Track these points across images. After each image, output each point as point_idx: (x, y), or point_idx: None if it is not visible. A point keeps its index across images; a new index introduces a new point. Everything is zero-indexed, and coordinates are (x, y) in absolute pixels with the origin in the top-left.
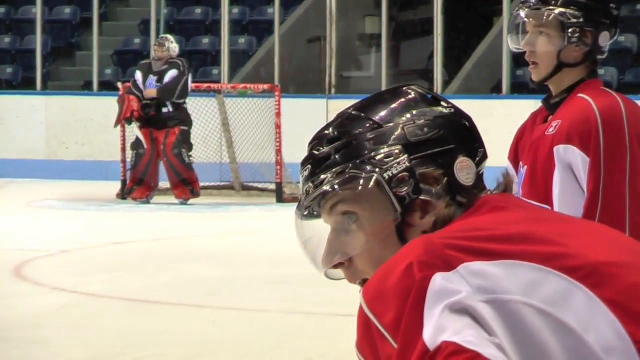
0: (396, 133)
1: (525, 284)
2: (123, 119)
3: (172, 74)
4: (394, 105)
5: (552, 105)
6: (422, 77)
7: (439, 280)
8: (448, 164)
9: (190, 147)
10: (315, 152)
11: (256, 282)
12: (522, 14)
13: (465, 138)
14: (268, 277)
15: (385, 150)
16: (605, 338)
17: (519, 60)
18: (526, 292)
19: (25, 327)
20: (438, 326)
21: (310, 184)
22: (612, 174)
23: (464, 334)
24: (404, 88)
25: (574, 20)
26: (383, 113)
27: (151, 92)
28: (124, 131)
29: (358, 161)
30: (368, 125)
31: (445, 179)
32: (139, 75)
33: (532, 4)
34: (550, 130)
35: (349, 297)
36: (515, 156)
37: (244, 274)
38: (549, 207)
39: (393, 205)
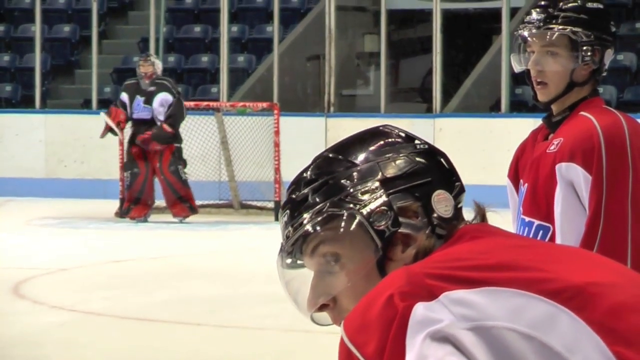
0: (372, 170)
1: (508, 309)
2: (108, 129)
3: (163, 99)
4: (368, 145)
5: (554, 123)
6: (420, 95)
7: (420, 309)
8: (426, 197)
9: (184, 163)
10: (293, 196)
11: (255, 300)
12: (526, 33)
13: (441, 172)
14: (266, 295)
15: (362, 187)
16: (591, 359)
17: (518, 78)
18: (510, 318)
19: (24, 344)
20: (420, 355)
21: (290, 228)
22: (614, 192)
23: None
24: (380, 128)
25: (586, 39)
26: (359, 152)
27: (157, 145)
28: (122, 149)
29: (336, 199)
30: (344, 164)
31: (424, 211)
32: (125, 97)
33: (537, 23)
34: (552, 148)
35: None
36: (515, 174)
37: (242, 292)
38: (549, 225)
39: (373, 240)
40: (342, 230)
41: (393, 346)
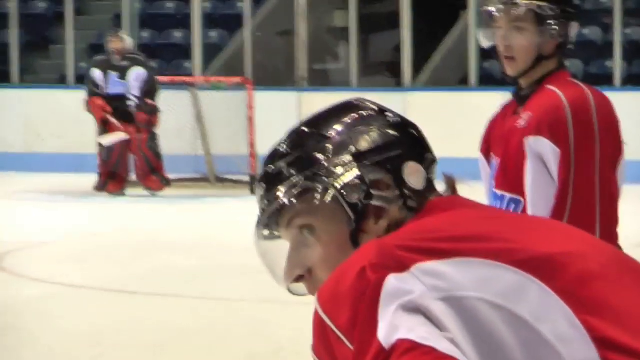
0: (345, 144)
1: (478, 280)
2: (100, 122)
3: (138, 74)
4: (341, 118)
5: (522, 97)
6: (390, 69)
7: (392, 281)
8: (397, 170)
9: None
10: (268, 170)
11: (231, 272)
12: (493, 8)
13: (413, 144)
14: (243, 267)
15: (335, 160)
16: (559, 327)
17: (486, 52)
18: (479, 288)
19: (4, 316)
20: (392, 325)
21: (266, 201)
22: (582, 164)
23: (418, 331)
24: (352, 101)
25: (551, 13)
26: (332, 126)
27: (141, 117)
28: (101, 122)
29: (310, 173)
30: (317, 138)
31: (396, 184)
32: (97, 73)
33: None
34: (521, 122)
35: None
36: (486, 148)
37: (218, 264)
38: (521, 198)
39: (346, 212)
40: (316, 203)
41: (365, 317)
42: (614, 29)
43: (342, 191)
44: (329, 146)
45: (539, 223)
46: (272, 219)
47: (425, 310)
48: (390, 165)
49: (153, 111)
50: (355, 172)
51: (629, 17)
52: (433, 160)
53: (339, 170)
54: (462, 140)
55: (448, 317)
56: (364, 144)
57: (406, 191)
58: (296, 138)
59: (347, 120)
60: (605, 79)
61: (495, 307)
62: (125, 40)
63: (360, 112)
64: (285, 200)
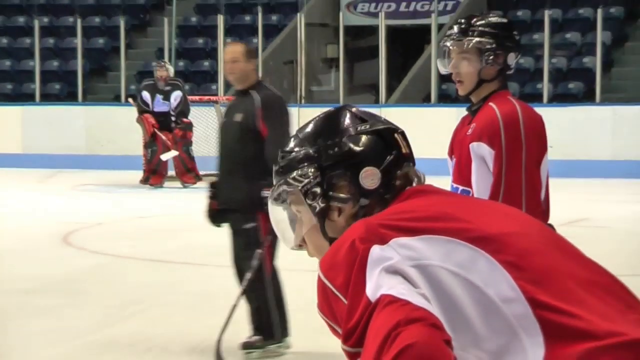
0: (314, 157)
1: (440, 252)
2: (150, 136)
3: (176, 95)
4: (319, 129)
5: (473, 111)
6: (370, 90)
7: (376, 250)
8: (354, 175)
9: (191, 143)
10: (275, 167)
11: None
12: (448, 43)
13: (374, 151)
14: None
15: (304, 171)
16: (502, 291)
17: (444, 77)
18: (441, 259)
19: (70, 280)
20: (377, 284)
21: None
22: (511, 165)
23: (397, 288)
24: (338, 110)
25: (489, 47)
26: (311, 137)
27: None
28: (150, 130)
29: (288, 179)
30: (298, 147)
31: (353, 186)
32: (146, 95)
33: (455, 36)
34: (469, 131)
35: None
36: (451, 151)
37: None
38: (470, 190)
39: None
40: (293, 200)
41: (356, 278)
42: (544, 59)
43: (306, 195)
44: (303, 157)
45: (491, 207)
46: (277, 199)
47: (402, 273)
48: (349, 172)
49: (188, 128)
50: (317, 179)
51: (555, 50)
52: (398, 159)
53: (305, 179)
54: (425, 144)
55: (419, 280)
56: (330, 154)
57: (361, 192)
58: (290, 142)
59: (323, 132)
60: (537, 98)
61: (454, 274)
62: (169, 68)
63: (336, 124)
64: (276, 195)
